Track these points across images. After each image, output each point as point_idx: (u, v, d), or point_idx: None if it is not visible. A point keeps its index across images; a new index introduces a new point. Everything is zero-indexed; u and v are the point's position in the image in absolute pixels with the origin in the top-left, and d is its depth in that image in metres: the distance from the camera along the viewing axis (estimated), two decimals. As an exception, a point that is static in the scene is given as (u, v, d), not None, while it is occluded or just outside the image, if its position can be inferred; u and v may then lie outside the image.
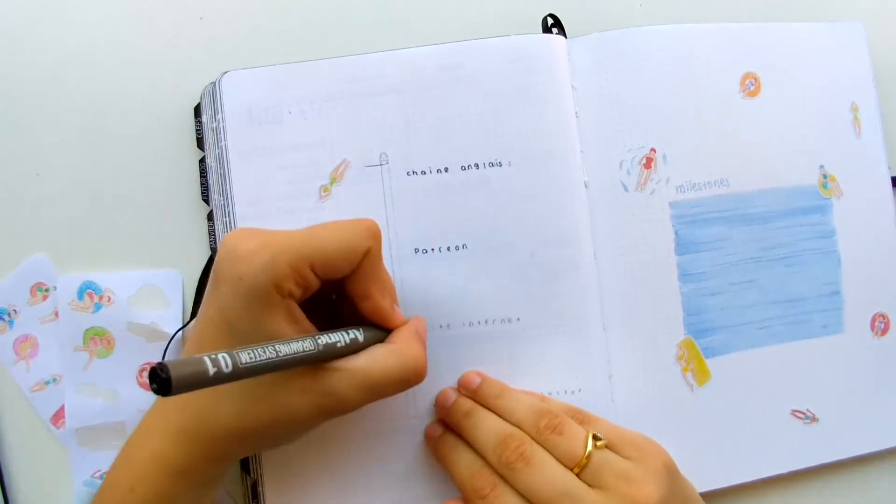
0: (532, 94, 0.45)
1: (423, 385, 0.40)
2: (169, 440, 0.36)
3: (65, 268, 0.47)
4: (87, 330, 0.46)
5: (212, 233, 0.47)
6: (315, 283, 0.37)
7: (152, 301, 0.47)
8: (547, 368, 0.45)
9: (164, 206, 0.47)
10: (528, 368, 0.45)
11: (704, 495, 0.46)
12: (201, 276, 0.47)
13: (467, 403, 0.43)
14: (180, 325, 0.46)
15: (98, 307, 0.46)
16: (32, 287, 0.46)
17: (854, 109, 0.51)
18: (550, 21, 0.49)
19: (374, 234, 0.38)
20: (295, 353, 0.33)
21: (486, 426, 0.41)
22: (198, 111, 0.48)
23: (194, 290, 0.47)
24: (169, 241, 0.47)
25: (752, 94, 0.49)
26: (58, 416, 0.46)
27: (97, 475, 0.46)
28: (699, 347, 0.47)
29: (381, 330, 0.40)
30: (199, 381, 0.28)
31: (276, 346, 0.32)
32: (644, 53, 0.47)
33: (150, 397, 0.46)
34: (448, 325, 0.44)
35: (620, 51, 0.47)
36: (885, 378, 0.50)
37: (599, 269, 0.46)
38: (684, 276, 0.47)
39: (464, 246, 0.45)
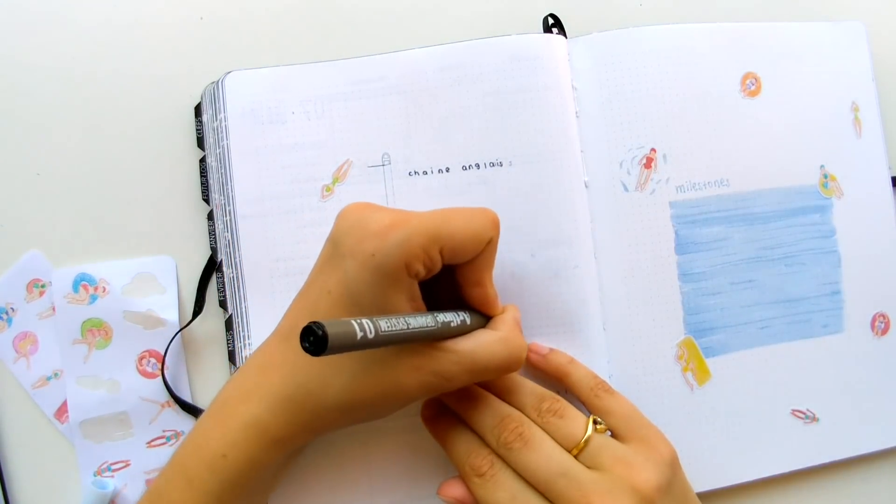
0: (533, 93, 0.45)
1: None
2: (269, 408, 0.36)
3: (60, 262, 0.47)
4: (84, 322, 0.46)
5: (212, 232, 0.47)
6: (439, 266, 0.37)
7: (147, 288, 0.47)
8: (547, 368, 0.45)
9: (165, 206, 0.48)
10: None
11: (704, 495, 0.46)
12: (202, 275, 0.47)
13: (471, 390, 0.42)
14: (176, 311, 0.46)
15: (94, 298, 0.46)
16: (28, 284, 0.47)
17: (854, 109, 0.51)
18: (551, 21, 0.49)
19: (497, 225, 0.39)
20: (421, 328, 0.34)
21: (484, 408, 0.41)
22: (198, 111, 0.48)
23: (189, 278, 0.47)
24: (169, 241, 0.47)
25: (753, 93, 0.49)
26: (61, 411, 0.46)
27: (104, 467, 0.46)
28: (699, 347, 0.47)
29: (482, 315, 0.41)
30: (349, 343, 0.29)
31: (407, 319, 0.33)
32: (644, 53, 0.47)
33: (151, 385, 0.46)
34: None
35: (621, 51, 0.47)
36: (886, 378, 0.50)
37: (599, 268, 0.46)
38: (684, 275, 0.47)
39: None
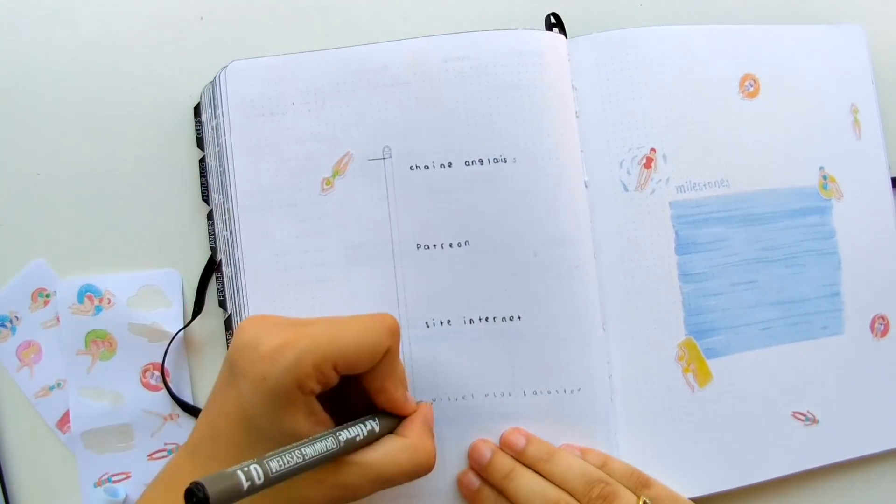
0: (537, 90, 0.45)
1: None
2: None
3: (65, 271, 0.47)
4: (88, 333, 0.46)
5: (212, 233, 0.47)
6: (335, 381, 0.37)
7: (152, 301, 0.47)
8: (547, 368, 0.44)
9: (164, 207, 0.48)
10: (528, 367, 0.44)
11: (704, 498, 0.46)
12: (202, 275, 0.47)
13: (506, 463, 0.43)
14: (181, 325, 0.46)
15: (98, 310, 0.46)
16: (33, 293, 0.46)
17: (854, 111, 0.52)
18: (552, 20, 0.49)
19: (395, 333, 0.38)
20: (319, 454, 0.34)
21: (530, 490, 0.41)
22: (198, 111, 0.48)
23: (194, 290, 0.47)
24: (169, 242, 0.47)
25: (752, 95, 0.49)
26: (63, 421, 0.46)
27: (105, 478, 0.46)
28: (700, 348, 0.47)
29: (392, 416, 0.40)
30: (234, 495, 0.29)
31: (302, 449, 0.33)
32: (644, 54, 0.47)
33: (154, 397, 0.46)
34: (448, 322, 0.44)
35: (620, 51, 0.47)
36: (885, 379, 0.50)
37: (599, 268, 0.46)
38: (685, 276, 0.47)
39: (466, 242, 0.45)
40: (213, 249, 0.47)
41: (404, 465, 0.38)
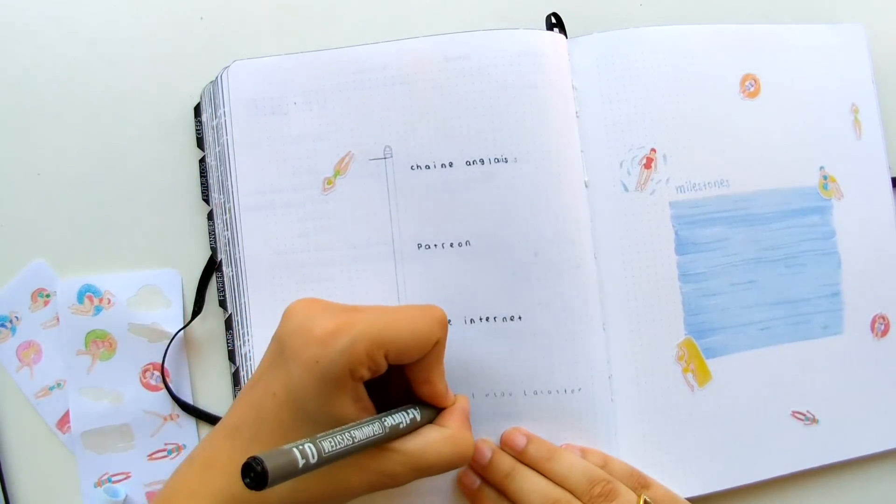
0: (538, 90, 0.45)
1: None
2: None
3: (65, 271, 0.47)
4: (88, 333, 0.46)
5: (212, 233, 0.47)
6: (383, 368, 0.37)
7: (152, 301, 0.47)
8: (547, 368, 0.44)
9: (164, 207, 0.48)
10: (528, 367, 0.44)
11: (704, 498, 0.46)
12: (202, 275, 0.47)
13: (506, 462, 0.43)
14: (181, 325, 0.46)
15: (98, 310, 0.46)
16: (33, 293, 0.46)
17: (854, 111, 0.52)
18: (553, 20, 0.49)
19: (444, 325, 0.39)
20: (367, 438, 0.34)
21: (531, 488, 0.41)
22: (198, 111, 0.48)
23: (194, 290, 0.47)
24: (169, 242, 0.47)
25: (752, 95, 0.49)
26: (63, 421, 0.46)
27: (105, 478, 0.46)
28: (699, 348, 0.47)
29: (431, 407, 0.41)
30: (290, 472, 0.30)
31: (352, 432, 0.34)
32: (644, 54, 0.47)
33: (154, 398, 0.46)
34: (449, 321, 0.44)
35: (621, 51, 0.47)
36: (885, 379, 0.50)
37: (599, 269, 0.46)
38: (684, 276, 0.47)
39: (467, 242, 0.45)
40: (214, 249, 0.47)
41: (445, 455, 0.38)
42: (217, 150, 0.46)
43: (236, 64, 0.46)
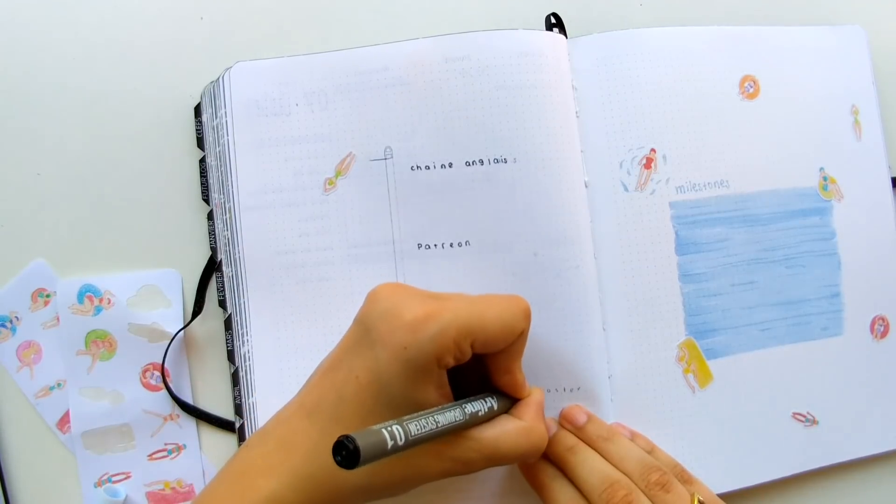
0: (538, 90, 0.45)
1: None
2: (291, 485, 0.36)
3: (65, 271, 0.47)
4: (88, 333, 0.46)
5: (212, 233, 0.47)
6: (468, 357, 0.37)
7: (152, 301, 0.47)
8: (547, 368, 0.44)
9: (164, 207, 0.48)
10: (528, 367, 0.44)
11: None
12: (202, 275, 0.47)
13: (570, 438, 0.43)
14: (181, 325, 0.46)
15: (98, 310, 0.46)
16: (33, 293, 0.46)
17: (854, 112, 0.52)
18: (552, 20, 0.49)
19: (528, 316, 0.39)
20: (449, 423, 0.35)
21: (592, 466, 0.41)
22: (198, 111, 0.48)
23: (194, 290, 0.47)
24: (169, 242, 0.47)
25: (751, 96, 0.49)
26: (63, 421, 0.46)
27: (105, 478, 0.46)
28: (700, 348, 0.47)
29: (507, 397, 0.41)
30: (380, 452, 0.30)
31: (436, 417, 0.34)
32: (644, 54, 0.47)
33: (154, 398, 0.46)
34: None
35: (620, 51, 0.47)
36: (885, 381, 0.50)
37: (599, 269, 0.46)
38: (685, 276, 0.47)
39: (467, 243, 0.45)
40: (214, 249, 0.47)
41: (520, 445, 0.38)
42: (217, 150, 0.46)
43: (239, 65, 0.46)
